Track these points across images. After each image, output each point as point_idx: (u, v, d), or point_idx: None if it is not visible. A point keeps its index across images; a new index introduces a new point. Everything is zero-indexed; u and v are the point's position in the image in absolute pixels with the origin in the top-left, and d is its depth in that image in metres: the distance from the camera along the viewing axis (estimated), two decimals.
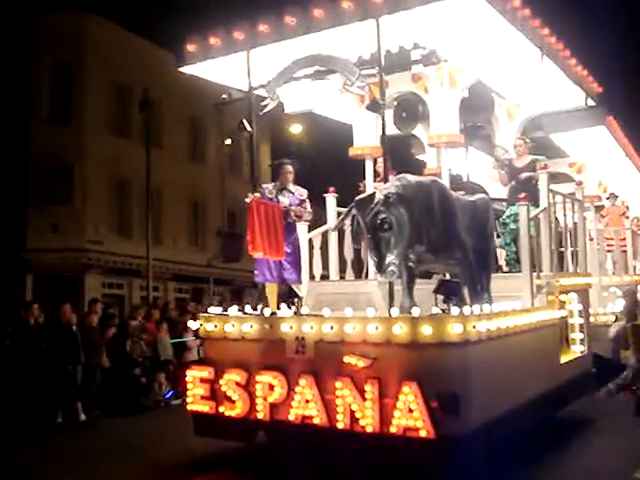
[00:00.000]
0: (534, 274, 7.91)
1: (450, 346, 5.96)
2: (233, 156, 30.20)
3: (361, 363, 6.21)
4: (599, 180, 14.63)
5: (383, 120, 6.62)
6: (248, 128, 7.33)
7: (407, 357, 6.08)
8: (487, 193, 9.96)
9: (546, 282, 8.07)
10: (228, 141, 29.20)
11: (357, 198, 6.48)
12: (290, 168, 7.77)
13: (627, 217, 14.56)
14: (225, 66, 8.01)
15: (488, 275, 7.46)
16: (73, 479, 7.07)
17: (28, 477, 7.28)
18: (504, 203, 9.31)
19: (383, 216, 6.09)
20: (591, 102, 10.32)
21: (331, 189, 9.21)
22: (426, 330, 5.97)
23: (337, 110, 9.88)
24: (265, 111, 7.39)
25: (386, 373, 6.14)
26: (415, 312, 6.19)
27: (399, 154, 10.81)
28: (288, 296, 7.17)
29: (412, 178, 6.56)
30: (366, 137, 9.20)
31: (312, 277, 8.83)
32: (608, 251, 13.93)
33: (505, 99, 10.40)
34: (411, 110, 9.75)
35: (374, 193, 6.24)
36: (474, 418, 5.93)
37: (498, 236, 9.18)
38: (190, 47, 7.97)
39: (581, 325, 9.29)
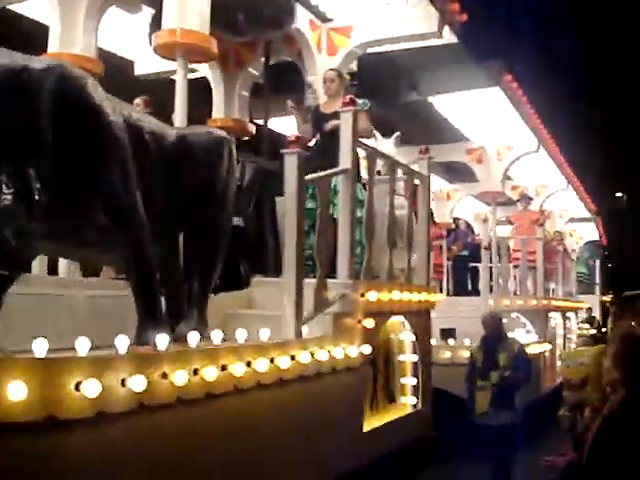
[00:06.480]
0: (317, 279, 4.53)
1: None
2: None
3: None
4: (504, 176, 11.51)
5: None
6: None
7: None
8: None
9: (339, 294, 4.68)
10: None
11: None
12: None
13: (541, 225, 11.55)
14: None
15: (208, 276, 3.98)
16: None
17: None
18: None
19: None
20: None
21: None
22: None
23: None
24: None
25: None
26: None
27: None
28: None
29: None
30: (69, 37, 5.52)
31: None
32: (514, 266, 11.35)
33: (330, 20, 7.13)
34: None
35: None
36: None
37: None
38: None
39: (415, 365, 6.00)
